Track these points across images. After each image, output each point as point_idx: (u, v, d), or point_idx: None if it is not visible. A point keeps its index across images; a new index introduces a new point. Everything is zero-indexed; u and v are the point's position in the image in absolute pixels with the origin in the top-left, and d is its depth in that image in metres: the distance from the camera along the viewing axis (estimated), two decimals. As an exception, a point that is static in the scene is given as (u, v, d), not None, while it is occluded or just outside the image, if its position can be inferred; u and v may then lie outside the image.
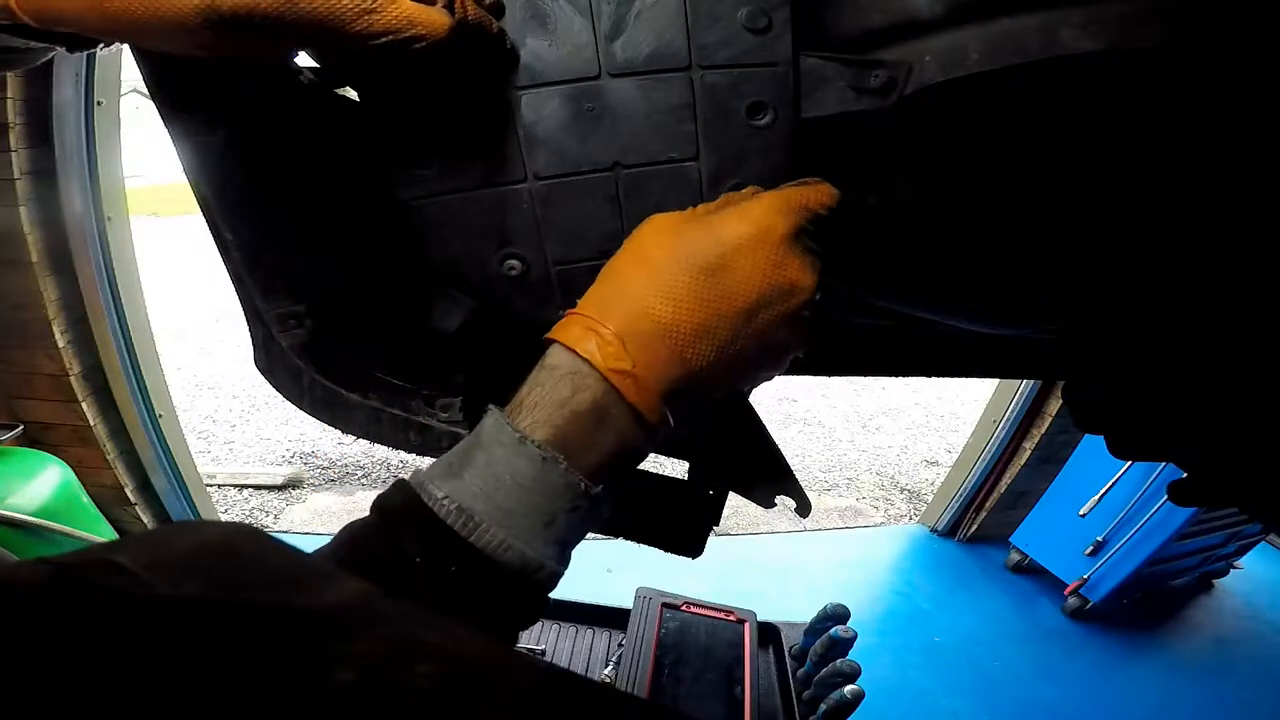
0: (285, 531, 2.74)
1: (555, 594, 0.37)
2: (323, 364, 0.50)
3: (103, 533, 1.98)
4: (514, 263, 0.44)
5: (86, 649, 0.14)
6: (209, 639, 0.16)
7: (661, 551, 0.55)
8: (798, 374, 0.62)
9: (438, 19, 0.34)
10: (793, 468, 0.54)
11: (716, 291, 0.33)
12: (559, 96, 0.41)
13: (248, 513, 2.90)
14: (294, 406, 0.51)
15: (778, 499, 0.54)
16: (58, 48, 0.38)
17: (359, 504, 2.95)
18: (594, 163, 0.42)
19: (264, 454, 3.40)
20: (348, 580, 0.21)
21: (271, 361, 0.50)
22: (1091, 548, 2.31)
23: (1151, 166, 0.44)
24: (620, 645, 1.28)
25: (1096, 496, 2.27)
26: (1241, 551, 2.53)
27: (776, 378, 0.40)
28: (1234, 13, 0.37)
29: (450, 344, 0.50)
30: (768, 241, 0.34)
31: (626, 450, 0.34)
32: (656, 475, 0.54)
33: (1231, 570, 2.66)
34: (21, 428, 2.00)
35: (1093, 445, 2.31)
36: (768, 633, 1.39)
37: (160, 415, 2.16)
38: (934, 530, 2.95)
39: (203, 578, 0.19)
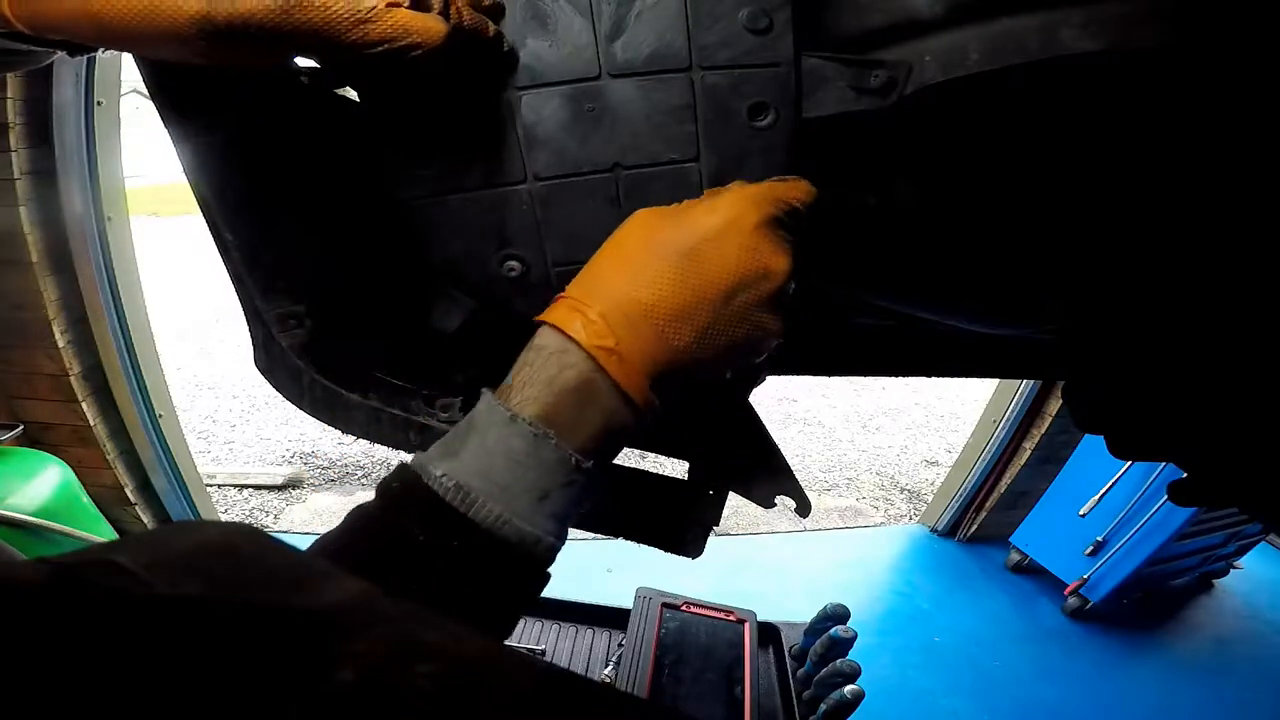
0: (285, 531, 2.74)
1: (555, 594, 0.37)
2: (323, 364, 0.50)
3: (103, 533, 1.98)
4: (514, 264, 0.44)
5: (86, 649, 0.14)
6: (209, 639, 0.16)
7: (661, 551, 0.55)
8: (798, 374, 0.62)
9: (433, 26, 0.34)
10: (793, 468, 0.54)
11: (694, 275, 0.34)
12: (559, 97, 0.41)
13: (248, 513, 2.90)
14: (294, 406, 0.51)
15: (778, 499, 0.54)
16: (57, 51, 0.38)
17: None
18: (594, 163, 0.42)
19: (264, 454, 3.40)
20: (348, 580, 0.21)
21: (271, 361, 0.50)
22: (1091, 548, 2.31)
23: (1151, 166, 0.44)
24: (620, 645, 1.28)
25: (1096, 496, 2.27)
26: (1241, 551, 2.53)
27: (776, 378, 0.40)
28: (1234, 13, 0.37)
29: (450, 344, 0.50)
30: (740, 228, 0.35)
31: (613, 427, 0.35)
32: (656, 475, 0.54)
33: (1231, 570, 2.66)
34: (21, 428, 2.00)
35: (1093, 445, 2.31)
36: (768, 633, 1.39)
37: (160, 415, 2.16)
38: (934, 530, 2.95)
39: (203, 578, 0.19)
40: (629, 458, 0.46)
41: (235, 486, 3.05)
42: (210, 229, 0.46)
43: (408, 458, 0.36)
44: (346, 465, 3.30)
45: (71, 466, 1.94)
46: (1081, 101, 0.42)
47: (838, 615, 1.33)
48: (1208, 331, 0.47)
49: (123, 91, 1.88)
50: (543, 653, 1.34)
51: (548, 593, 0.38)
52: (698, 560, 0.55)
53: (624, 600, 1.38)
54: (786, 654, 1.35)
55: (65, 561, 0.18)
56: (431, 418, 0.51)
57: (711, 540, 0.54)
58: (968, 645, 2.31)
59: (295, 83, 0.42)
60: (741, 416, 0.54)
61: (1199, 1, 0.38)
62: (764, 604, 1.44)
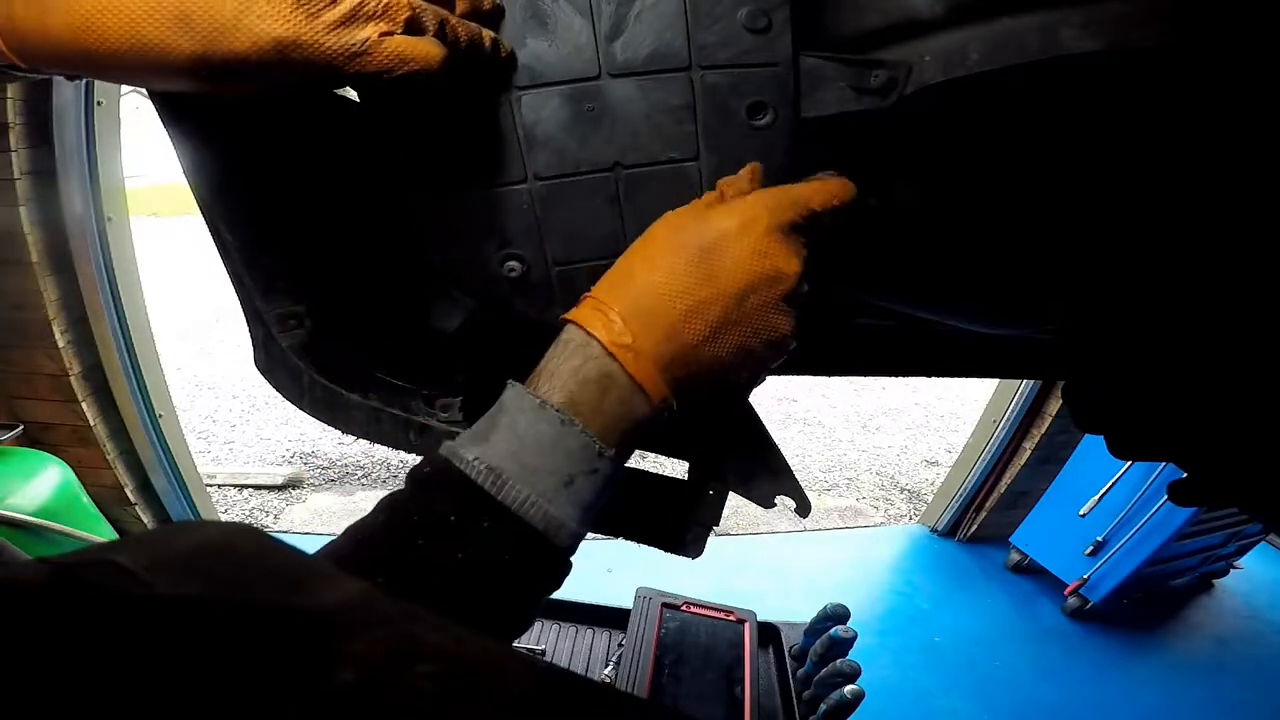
0: (285, 531, 2.74)
1: (555, 594, 0.38)
2: (323, 364, 0.50)
3: (103, 533, 1.98)
4: (514, 264, 0.44)
5: (87, 649, 0.14)
6: (209, 639, 0.16)
7: (661, 551, 0.55)
8: (798, 374, 0.62)
9: (429, 51, 0.34)
10: (793, 468, 0.54)
11: (706, 276, 0.36)
12: (559, 97, 0.41)
13: (248, 513, 2.90)
14: (294, 406, 0.51)
15: (778, 499, 0.54)
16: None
17: (359, 504, 2.95)
18: (594, 163, 0.42)
19: (264, 454, 3.40)
20: (348, 580, 0.21)
21: (271, 361, 0.50)
22: (1091, 548, 2.31)
23: (1151, 166, 0.44)
24: (620, 645, 1.28)
25: (1096, 496, 2.27)
26: (1241, 551, 2.53)
27: (776, 378, 0.41)
28: (1234, 13, 0.37)
29: (450, 344, 0.50)
30: (753, 232, 0.36)
31: (632, 419, 0.36)
32: (657, 475, 0.54)
33: (1231, 570, 2.66)
34: (21, 428, 2.00)
35: (1093, 445, 2.31)
36: (768, 633, 1.39)
37: (160, 415, 2.16)
38: (934, 530, 2.95)
39: (203, 578, 0.19)
40: (629, 458, 0.46)
41: (235, 486, 3.05)
42: (210, 229, 0.46)
43: (408, 457, 0.37)
44: (346, 465, 3.30)
45: (71, 466, 1.94)
46: (1081, 101, 0.42)
47: (838, 615, 1.33)
48: (1207, 332, 0.47)
49: (123, 92, 1.88)
50: (543, 653, 1.34)
51: (548, 593, 0.38)
52: (698, 560, 0.55)
53: (624, 600, 1.38)
54: (786, 654, 1.35)
55: (65, 561, 0.18)
56: (431, 418, 0.51)
57: (711, 540, 0.54)
58: (968, 645, 2.31)
59: None
60: (741, 416, 0.54)
61: (1199, 1, 0.38)
62: (764, 604, 1.45)
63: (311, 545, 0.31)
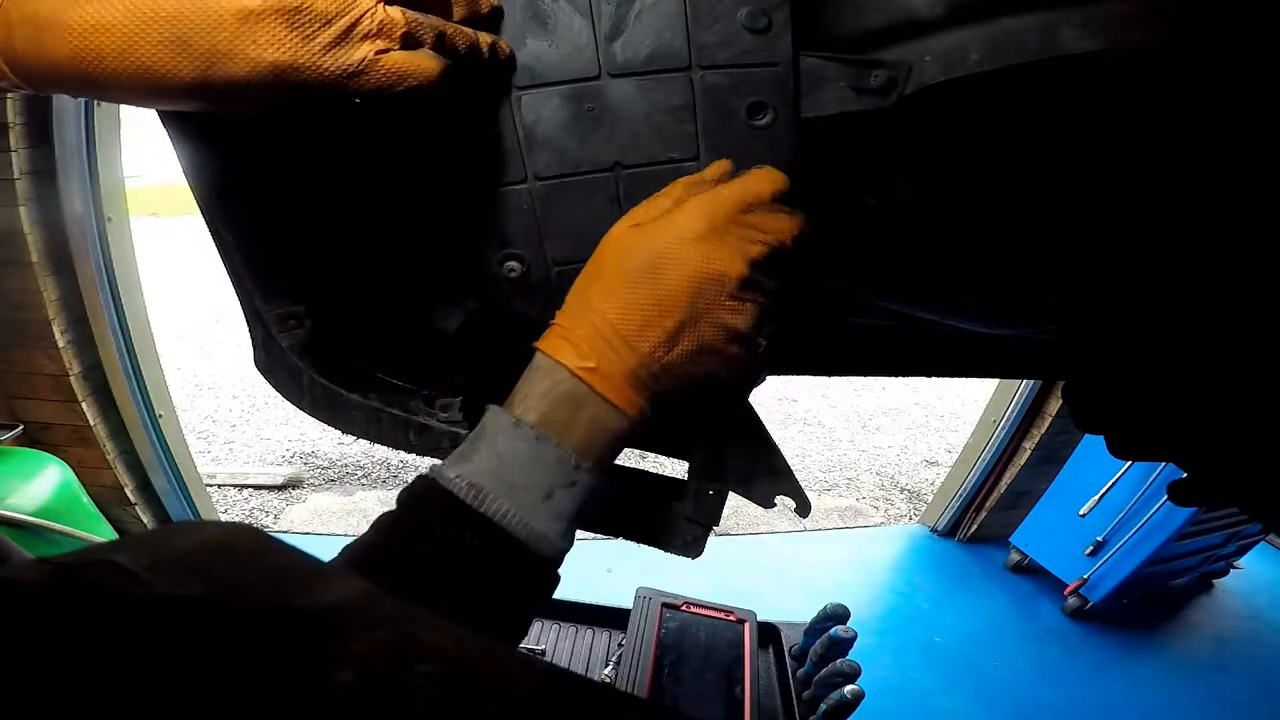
0: (285, 531, 2.74)
1: (555, 594, 0.39)
2: (323, 364, 0.50)
3: (103, 533, 1.98)
4: (514, 264, 0.44)
5: (86, 649, 0.14)
6: (209, 639, 0.16)
7: (661, 551, 0.55)
8: (798, 374, 0.62)
9: (427, 66, 0.34)
10: (793, 468, 0.54)
11: (653, 287, 0.37)
12: (559, 97, 0.41)
13: (248, 513, 2.90)
14: (294, 406, 0.51)
15: (778, 499, 0.54)
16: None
17: (359, 504, 2.95)
18: (594, 163, 0.42)
19: (264, 454, 3.40)
20: (348, 580, 0.21)
21: (271, 361, 0.50)
22: (1091, 548, 2.31)
23: (1151, 166, 0.44)
24: (620, 645, 1.28)
25: (1096, 496, 2.27)
26: (1241, 551, 2.53)
27: (776, 378, 0.41)
28: (1233, 13, 0.37)
29: (450, 344, 0.50)
30: (693, 238, 0.37)
31: (607, 432, 0.38)
32: (656, 475, 0.54)
33: (1231, 570, 2.66)
34: (21, 428, 2.00)
35: (1093, 445, 2.31)
36: (768, 633, 1.39)
37: (160, 415, 2.16)
38: (934, 530, 2.95)
39: (203, 578, 0.19)
40: (629, 458, 0.46)
41: (235, 486, 3.05)
42: (210, 229, 0.46)
43: (408, 457, 0.37)
44: (346, 465, 3.30)
45: (71, 466, 1.94)
46: (1081, 101, 0.42)
47: (838, 615, 1.33)
48: (1207, 332, 0.47)
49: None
50: (543, 653, 1.34)
51: (548, 592, 0.39)
52: (698, 560, 0.55)
53: (624, 600, 1.38)
54: (786, 654, 1.35)
55: (65, 561, 0.18)
56: (431, 418, 0.51)
57: (711, 540, 0.54)
58: (968, 645, 2.31)
59: None
60: (741, 416, 0.54)
61: (1199, 1, 0.38)
62: (764, 604, 1.44)
63: (311, 545, 0.31)
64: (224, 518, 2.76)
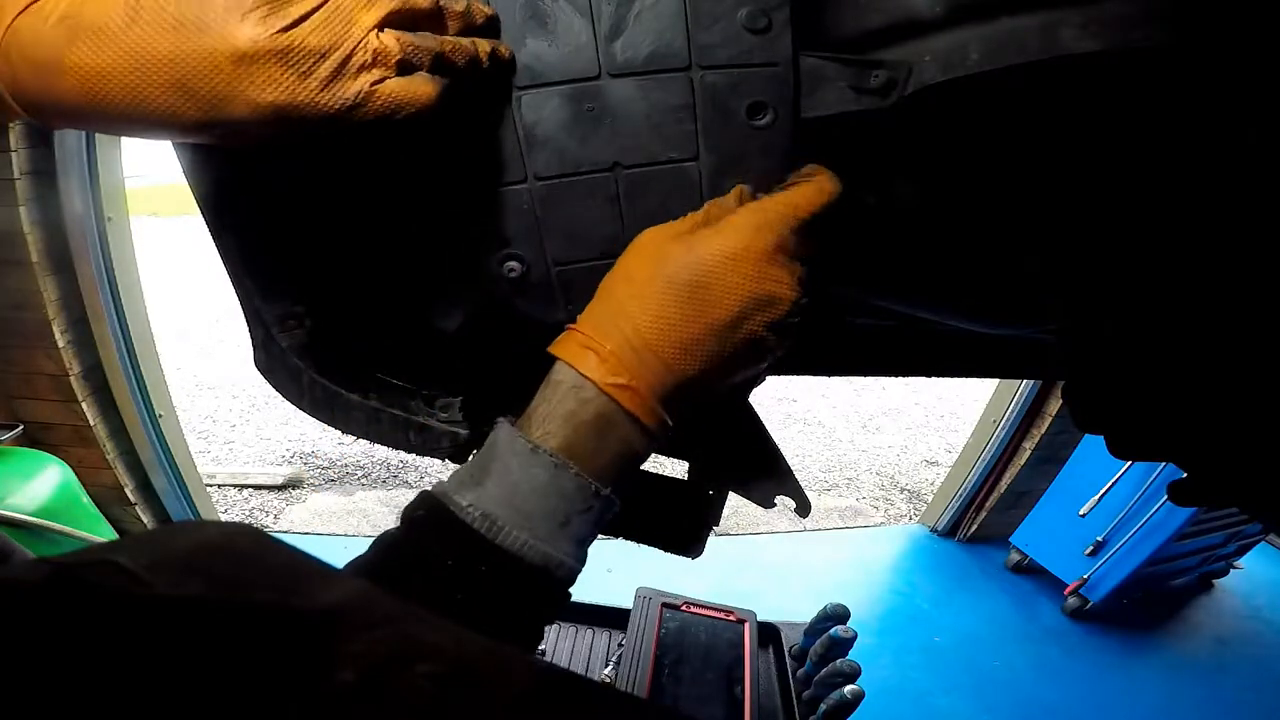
0: (285, 531, 2.74)
1: None
2: (323, 364, 0.50)
3: (103, 533, 1.98)
4: (514, 264, 0.44)
5: (87, 649, 0.14)
6: (209, 639, 0.16)
7: (661, 551, 0.55)
8: (798, 374, 0.62)
9: (424, 91, 0.34)
10: (793, 468, 0.54)
11: (699, 308, 0.36)
12: (559, 97, 0.41)
13: (248, 513, 2.90)
14: (294, 406, 0.51)
15: (778, 499, 0.54)
16: None
17: (359, 504, 2.95)
18: (594, 163, 0.42)
19: (264, 454, 3.40)
20: (347, 580, 0.21)
21: (271, 361, 0.50)
22: (1091, 548, 2.30)
23: (1151, 166, 0.44)
24: (620, 645, 1.28)
25: (1096, 496, 2.27)
26: (1241, 551, 2.53)
27: (776, 378, 0.41)
28: (1233, 13, 0.37)
29: (450, 344, 0.50)
30: (746, 259, 0.36)
31: (630, 454, 0.37)
32: (656, 475, 0.54)
33: (1231, 570, 2.66)
34: (21, 428, 2.00)
35: (1093, 445, 2.31)
36: (768, 633, 1.39)
37: (160, 415, 2.16)
38: (934, 530, 2.95)
39: (203, 578, 0.19)
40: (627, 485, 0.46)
41: (235, 486, 3.05)
42: (210, 229, 0.46)
43: (408, 457, 0.37)
44: (346, 465, 3.30)
45: (71, 466, 1.94)
46: (1081, 101, 0.42)
47: (838, 615, 1.33)
48: (1207, 331, 0.47)
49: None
50: (543, 653, 1.34)
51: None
52: (698, 560, 0.55)
53: (624, 600, 1.38)
54: (786, 654, 1.35)
55: (65, 561, 0.18)
56: (431, 418, 0.51)
57: (711, 540, 0.54)
58: (968, 645, 2.31)
59: None
60: (741, 416, 0.54)
61: (1198, 2, 0.38)
62: (764, 604, 1.44)
63: (311, 545, 0.31)
64: (224, 518, 2.76)
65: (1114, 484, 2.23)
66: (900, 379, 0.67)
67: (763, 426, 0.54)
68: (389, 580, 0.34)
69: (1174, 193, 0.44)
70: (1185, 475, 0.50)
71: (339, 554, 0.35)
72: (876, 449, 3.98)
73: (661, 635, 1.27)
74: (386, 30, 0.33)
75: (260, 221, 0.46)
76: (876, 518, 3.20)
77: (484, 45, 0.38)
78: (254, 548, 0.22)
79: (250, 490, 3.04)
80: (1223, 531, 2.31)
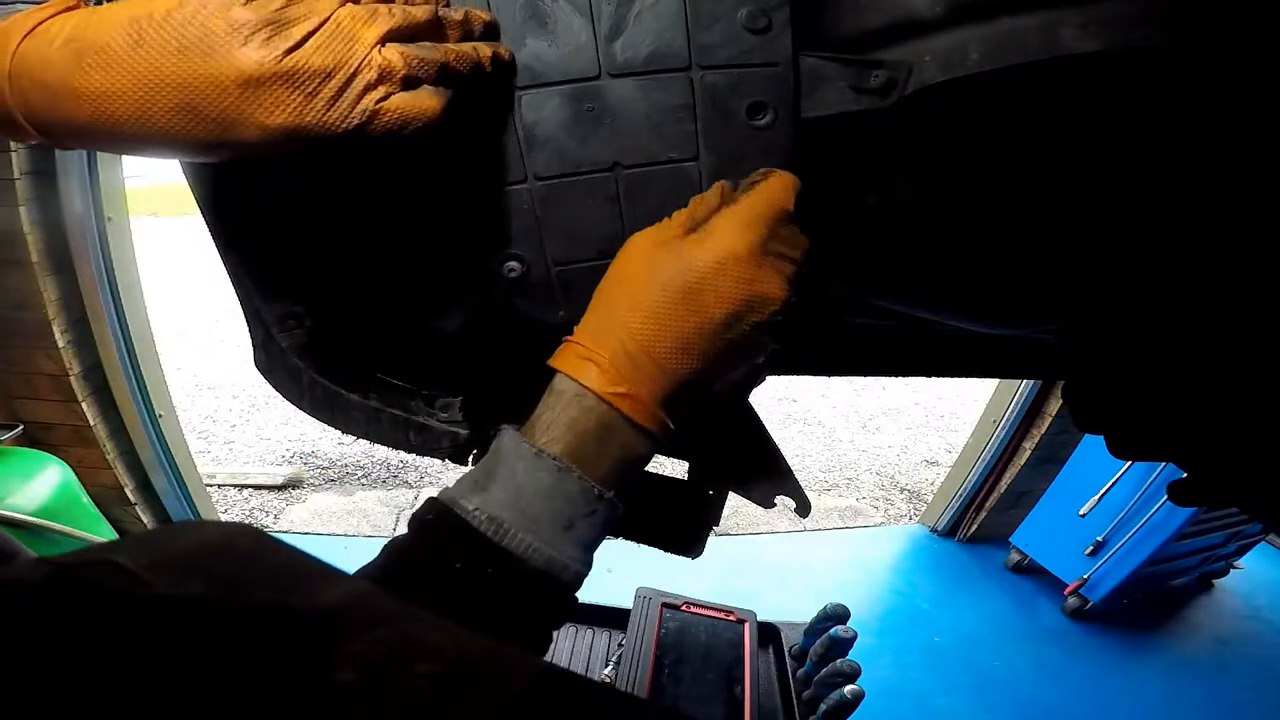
0: (285, 531, 2.74)
1: None
2: (323, 364, 0.50)
3: (103, 533, 1.98)
4: (514, 264, 0.44)
5: (87, 649, 0.14)
6: (210, 639, 0.16)
7: (661, 551, 0.55)
8: (798, 374, 0.62)
9: (430, 105, 0.34)
10: (793, 468, 0.54)
11: (692, 312, 0.36)
12: (559, 97, 0.41)
13: (248, 513, 2.90)
14: (294, 406, 0.51)
15: (778, 499, 0.54)
16: None
17: (359, 504, 2.95)
18: (594, 163, 0.42)
19: (264, 454, 3.40)
20: (347, 580, 0.21)
21: (271, 361, 0.50)
22: (1091, 548, 2.30)
23: (1151, 166, 0.44)
24: (620, 645, 1.28)
25: (1096, 496, 2.27)
26: (1241, 551, 2.53)
27: (776, 378, 0.41)
28: (1233, 13, 0.37)
29: (450, 344, 0.50)
30: (735, 262, 0.37)
31: (632, 458, 0.38)
32: (656, 475, 0.54)
33: (1231, 570, 2.66)
34: (21, 428, 2.00)
35: (1093, 445, 2.31)
36: (768, 633, 1.39)
37: (160, 415, 2.16)
38: (934, 530, 2.95)
39: (203, 578, 0.19)
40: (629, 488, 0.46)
41: (235, 486, 3.05)
42: (210, 229, 0.46)
43: (408, 457, 0.37)
44: (346, 465, 3.30)
45: (71, 466, 1.94)
46: (1081, 101, 0.42)
47: (838, 615, 1.33)
48: (1208, 331, 0.47)
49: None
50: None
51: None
52: (698, 560, 0.55)
53: (624, 600, 1.38)
54: (786, 654, 1.35)
55: (65, 561, 0.18)
56: (431, 418, 0.51)
57: (711, 540, 0.54)
58: (967, 645, 2.31)
59: None
60: (741, 416, 0.54)
61: (1198, 2, 0.38)
62: (764, 604, 1.44)
63: (311, 545, 0.31)
64: (224, 518, 2.76)
65: (1114, 484, 2.23)
66: (900, 379, 0.67)
67: (763, 426, 0.54)
68: (400, 583, 0.35)
69: (1174, 193, 0.44)
70: (1185, 475, 0.50)
71: (339, 554, 0.35)
72: (876, 449, 3.98)
73: (661, 635, 1.27)
74: (389, 45, 0.33)
75: (260, 223, 0.46)
76: (876, 518, 3.20)
77: (485, 50, 0.38)
78: (254, 548, 0.22)
79: (250, 490, 3.04)
80: (1223, 531, 2.31)
